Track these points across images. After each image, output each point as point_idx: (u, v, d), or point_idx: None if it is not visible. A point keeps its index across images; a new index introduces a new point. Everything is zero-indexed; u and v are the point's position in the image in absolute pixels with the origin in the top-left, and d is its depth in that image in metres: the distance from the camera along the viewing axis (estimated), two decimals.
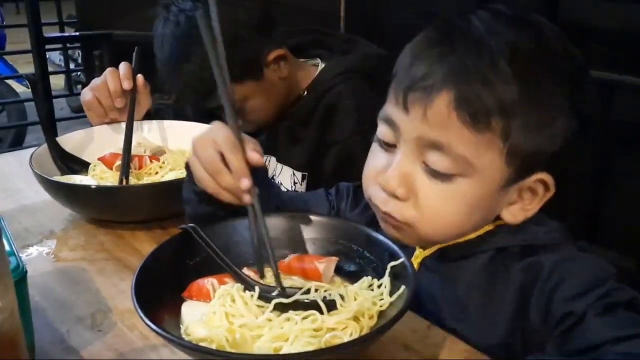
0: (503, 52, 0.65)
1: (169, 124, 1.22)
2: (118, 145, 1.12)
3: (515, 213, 0.73)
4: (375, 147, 0.77)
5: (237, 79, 1.18)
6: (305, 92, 1.27)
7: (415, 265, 0.77)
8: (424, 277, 0.77)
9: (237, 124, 0.72)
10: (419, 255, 0.79)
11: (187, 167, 0.80)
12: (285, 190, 1.25)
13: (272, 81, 1.22)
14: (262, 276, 0.72)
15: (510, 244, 0.74)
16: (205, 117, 1.28)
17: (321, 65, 1.30)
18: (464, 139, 0.66)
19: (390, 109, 0.72)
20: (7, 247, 0.58)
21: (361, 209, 0.89)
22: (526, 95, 0.65)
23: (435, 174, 0.69)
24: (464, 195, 0.70)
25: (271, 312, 0.64)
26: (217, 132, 0.74)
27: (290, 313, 0.63)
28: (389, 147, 0.74)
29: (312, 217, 0.78)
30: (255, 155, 0.72)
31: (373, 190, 0.75)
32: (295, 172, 1.25)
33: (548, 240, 0.73)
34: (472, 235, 0.75)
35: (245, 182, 0.71)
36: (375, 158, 0.76)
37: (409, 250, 0.76)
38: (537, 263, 0.71)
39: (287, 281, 0.70)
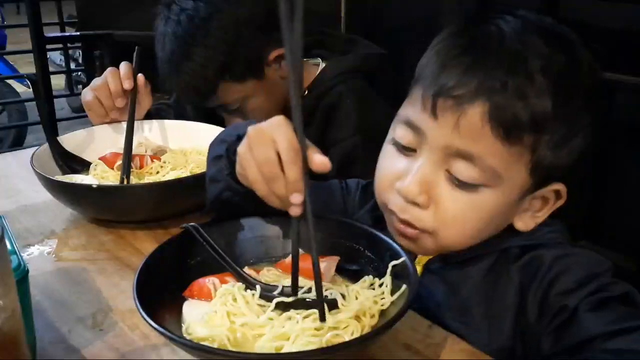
0: (539, 65, 0.65)
1: (170, 124, 1.22)
2: (119, 145, 1.12)
3: (526, 221, 0.73)
4: (390, 149, 0.75)
5: (238, 78, 1.19)
6: (306, 92, 1.27)
7: (419, 269, 0.76)
8: (427, 280, 0.76)
9: (302, 124, 0.63)
10: (422, 259, 0.78)
11: (233, 153, 0.73)
12: None
13: (273, 80, 1.22)
14: (296, 292, 0.66)
15: (512, 244, 0.74)
16: (205, 117, 1.28)
17: (322, 65, 1.30)
18: (495, 150, 0.66)
19: (415, 113, 0.71)
20: (8, 247, 0.57)
21: (369, 208, 0.86)
22: (558, 110, 0.65)
23: (460, 183, 0.69)
24: (486, 205, 0.69)
25: (272, 311, 0.64)
26: (278, 131, 0.66)
27: (292, 312, 0.63)
28: (408, 151, 0.72)
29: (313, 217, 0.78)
30: (320, 158, 0.63)
31: (389, 195, 0.73)
32: None
33: (549, 239, 0.74)
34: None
35: (297, 198, 0.63)
36: (392, 161, 0.74)
37: (411, 253, 0.75)
38: (537, 258, 0.71)
39: (288, 280, 0.70)
